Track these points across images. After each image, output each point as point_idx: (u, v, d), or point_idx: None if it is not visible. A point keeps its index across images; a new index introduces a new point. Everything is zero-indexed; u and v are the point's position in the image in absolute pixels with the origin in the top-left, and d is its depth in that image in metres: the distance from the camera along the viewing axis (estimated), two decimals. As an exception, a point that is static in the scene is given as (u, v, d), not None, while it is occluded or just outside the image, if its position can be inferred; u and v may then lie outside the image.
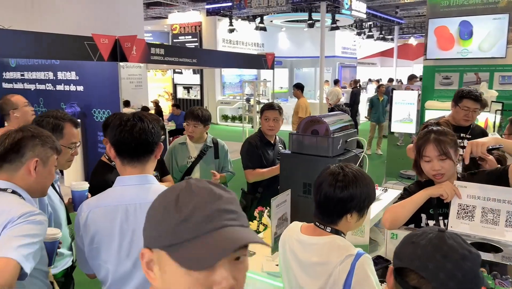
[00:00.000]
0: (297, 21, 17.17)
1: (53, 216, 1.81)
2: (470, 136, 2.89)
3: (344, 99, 13.26)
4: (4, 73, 8.17)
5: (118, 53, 6.19)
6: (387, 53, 24.98)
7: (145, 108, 9.10)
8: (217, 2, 14.37)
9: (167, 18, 16.59)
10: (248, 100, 10.85)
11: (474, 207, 1.81)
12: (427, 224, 1.92)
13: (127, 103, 9.84)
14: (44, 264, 1.51)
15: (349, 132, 2.32)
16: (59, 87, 7.23)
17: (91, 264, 1.50)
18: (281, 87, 19.77)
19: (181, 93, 16.45)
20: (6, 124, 3.26)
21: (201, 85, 15.70)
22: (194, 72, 15.62)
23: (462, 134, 2.97)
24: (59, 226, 1.82)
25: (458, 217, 1.83)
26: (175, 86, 16.52)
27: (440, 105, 6.19)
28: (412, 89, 6.74)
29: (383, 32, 19.82)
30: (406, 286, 0.90)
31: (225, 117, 15.04)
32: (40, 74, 7.46)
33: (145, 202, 1.38)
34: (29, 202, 1.40)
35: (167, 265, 0.68)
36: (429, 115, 6.02)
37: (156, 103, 11.09)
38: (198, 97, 15.90)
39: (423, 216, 1.92)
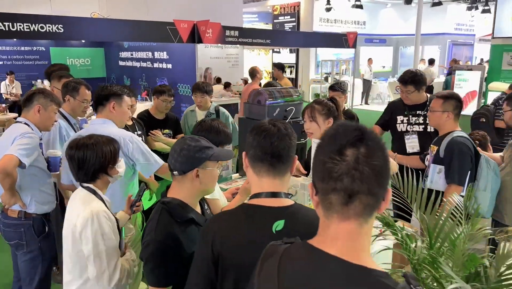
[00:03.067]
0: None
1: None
2: (425, 112, 3.18)
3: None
4: (120, 53, 9.99)
5: (195, 36, 7.23)
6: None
7: (227, 84, 10.15)
8: (316, -18, 14.67)
9: (269, -1, 17.41)
10: (326, 79, 11.15)
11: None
12: None
13: (219, 80, 11.06)
14: (47, 175, 2.51)
15: (291, 104, 2.86)
16: (156, 65, 8.67)
17: None
18: (384, 66, 19.17)
19: (279, 72, 17.26)
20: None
21: (296, 64, 16.28)
22: (291, 51, 16.24)
23: (418, 112, 3.28)
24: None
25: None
26: (273, 65, 17.40)
27: (505, 86, 5.86)
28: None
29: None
30: None
31: (317, 96, 15.44)
32: (143, 54, 9.00)
33: None
34: (35, 131, 2.40)
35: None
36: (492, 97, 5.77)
37: (245, 81, 12.10)
38: (293, 76, 16.52)
39: None
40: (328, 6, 15.23)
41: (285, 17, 16.32)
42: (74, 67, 9.93)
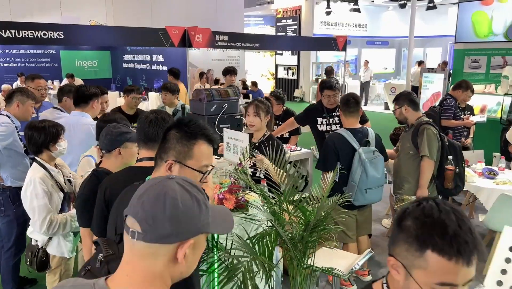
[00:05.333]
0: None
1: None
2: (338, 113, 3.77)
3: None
4: (124, 56, 10.77)
5: (186, 41, 7.88)
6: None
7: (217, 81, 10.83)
8: (316, -14, 15.18)
9: (273, 3, 17.99)
10: (316, 80, 11.64)
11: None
12: None
13: (216, 81, 11.73)
14: (22, 156, 3.18)
15: (228, 102, 3.46)
16: (154, 67, 9.38)
17: None
18: (386, 68, 19.50)
19: (282, 73, 17.84)
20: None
21: (298, 66, 16.81)
22: (292, 53, 16.79)
23: (333, 113, 3.85)
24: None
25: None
26: (276, 66, 17.98)
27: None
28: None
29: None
30: None
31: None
32: (143, 56, 9.74)
33: None
34: (14, 121, 3.07)
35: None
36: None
37: (243, 82, 12.73)
38: (295, 77, 17.06)
39: None
40: (328, 9, 15.72)
41: (287, 20, 16.89)
42: (82, 69, 10.75)
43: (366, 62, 14.57)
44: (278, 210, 2.19)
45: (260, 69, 18.42)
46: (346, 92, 9.83)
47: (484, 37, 5.97)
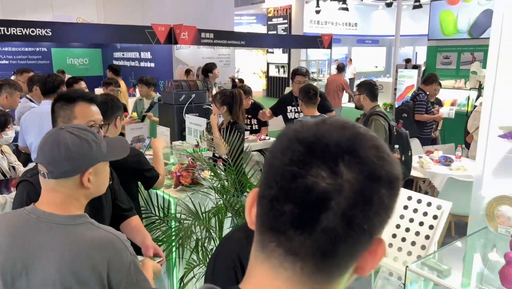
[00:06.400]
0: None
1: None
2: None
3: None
4: (114, 53, 10.99)
5: (172, 38, 8.13)
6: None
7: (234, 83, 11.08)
8: (306, -15, 15.45)
9: (264, 2, 18.25)
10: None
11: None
12: None
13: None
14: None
15: (196, 92, 3.72)
16: (142, 64, 9.62)
17: None
18: (376, 66, 19.80)
19: (273, 72, 18.09)
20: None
21: (289, 64, 17.07)
22: (283, 51, 17.04)
23: None
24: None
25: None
26: (268, 65, 18.24)
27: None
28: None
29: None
30: None
31: (306, 94, 16.20)
32: (131, 54, 9.97)
33: None
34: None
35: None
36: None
37: (233, 80, 12.99)
38: (286, 75, 17.32)
39: None
40: (317, 8, 15.98)
41: (278, 19, 17.14)
42: (73, 66, 10.96)
43: (350, 60, 14.88)
44: (227, 185, 2.45)
45: (252, 67, 18.67)
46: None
47: (451, 35, 6.25)
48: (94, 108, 1.76)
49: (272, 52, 17.77)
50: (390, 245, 1.80)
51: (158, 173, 2.32)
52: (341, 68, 9.24)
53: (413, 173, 4.56)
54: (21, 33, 6.46)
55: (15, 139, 3.47)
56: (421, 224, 1.76)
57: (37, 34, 6.59)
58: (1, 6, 9.49)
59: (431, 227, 1.73)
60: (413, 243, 1.75)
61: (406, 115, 5.63)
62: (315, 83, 11.37)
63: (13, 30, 6.35)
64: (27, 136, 3.36)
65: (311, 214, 0.47)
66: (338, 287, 0.53)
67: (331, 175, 0.47)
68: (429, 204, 1.78)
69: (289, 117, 4.24)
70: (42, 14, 9.92)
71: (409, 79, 6.94)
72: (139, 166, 2.21)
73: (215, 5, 13.01)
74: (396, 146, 3.56)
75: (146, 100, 4.74)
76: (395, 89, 9.30)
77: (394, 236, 1.81)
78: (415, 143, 4.96)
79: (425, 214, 1.77)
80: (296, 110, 4.19)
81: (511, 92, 1.81)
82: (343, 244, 0.48)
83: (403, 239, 1.78)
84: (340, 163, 0.48)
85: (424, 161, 4.19)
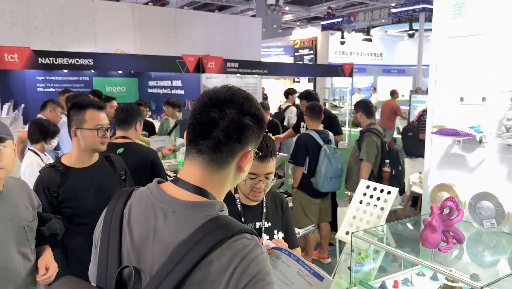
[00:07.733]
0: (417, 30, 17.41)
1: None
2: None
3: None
4: (149, 82, 11.90)
5: (200, 67, 8.86)
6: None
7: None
8: (331, 18, 16.17)
9: (291, 34, 19.09)
10: (324, 104, 12.33)
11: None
12: None
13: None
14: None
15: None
16: (173, 92, 10.39)
17: None
18: (403, 95, 19.96)
19: (298, 100, 18.65)
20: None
21: (314, 91, 17.60)
22: (309, 80, 17.63)
23: None
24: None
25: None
26: (294, 93, 18.83)
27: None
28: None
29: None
30: None
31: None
32: (164, 82, 10.81)
33: None
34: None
35: None
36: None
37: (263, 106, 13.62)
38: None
39: None
40: (342, 40, 16.59)
41: (304, 50, 17.85)
42: (112, 94, 11.93)
43: (374, 88, 15.24)
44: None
45: (278, 95, 19.31)
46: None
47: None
48: (102, 115, 2.07)
49: (299, 82, 18.39)
50: (351, 224, 2.20)
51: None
52: (393, 94, 9.93)
53: (414, 188, 4.88)
54: (67, 63, 7.34)
55: (56, 148, 4.12)
56: (374, 206, 2.15)
57: (81, 63, 7.46)
58: (52, 40, 10.59)
59: (382, 208, 2.12)
60: (368, 222, 2.14)
61: (411, 134, 5.96)
62: (335, 111, 11.84)
63: (61, 60, 7.24)
64: (62, 145, 4.04)
65: (208, 130, 0.94)
66: (226, 176, 0.98)
67: (219, 112, 0.94)
68: (381, 191, 2.17)
69: (301, 131, 4.80)
70: (86, 47, 10.98)
71: (422, 104, 7.24)
72: (157, 160, 2.72)
73: (243, 37, 13.88)
74: (387, 161, 3.92)
75: (171, 120, 5.34)
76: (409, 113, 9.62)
77: (354, 217, 2.20)
78: (419, 161, 5.25)
79: (378, 198, 2.16)
80: (303, 126, 4.71)
81: (446, 100, 2.22)
82: (224, 146, 0.94)
83: (361, 220, 2.17)
84: (224, 106, 0.95)
85: (422, 176, 4.49)
